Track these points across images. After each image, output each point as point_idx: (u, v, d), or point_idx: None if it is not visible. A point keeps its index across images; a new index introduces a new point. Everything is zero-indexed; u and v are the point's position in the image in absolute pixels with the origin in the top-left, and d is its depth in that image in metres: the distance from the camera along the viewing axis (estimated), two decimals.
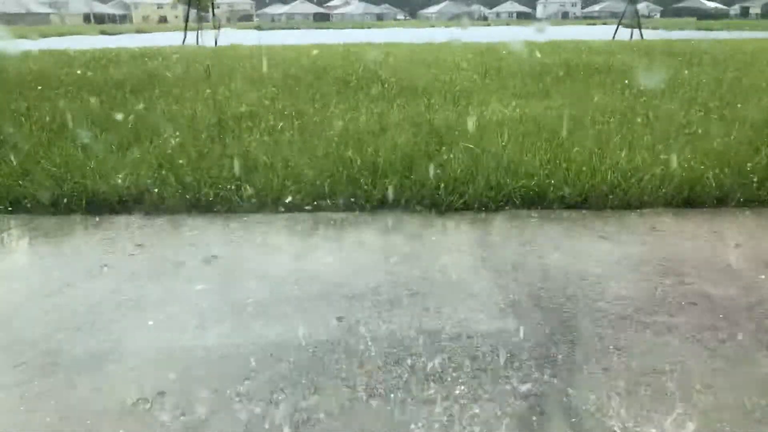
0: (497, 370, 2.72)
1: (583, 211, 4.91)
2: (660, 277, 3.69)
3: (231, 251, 4.20)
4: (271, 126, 6.84)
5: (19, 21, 67.98)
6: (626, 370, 2.72)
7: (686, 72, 11.54)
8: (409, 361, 2.79)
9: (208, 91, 9.14)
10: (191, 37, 28.39)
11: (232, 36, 32.09)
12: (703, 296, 3.43)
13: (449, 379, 2.66)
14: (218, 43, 25.63)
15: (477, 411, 2.45)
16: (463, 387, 2.60)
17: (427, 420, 2.41)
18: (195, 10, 31.73)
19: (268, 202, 4.96)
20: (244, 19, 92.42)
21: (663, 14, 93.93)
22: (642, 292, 3.48)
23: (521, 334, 3.03)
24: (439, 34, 27.89)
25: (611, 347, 2.90)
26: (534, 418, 2.41)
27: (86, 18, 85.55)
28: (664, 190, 5.02)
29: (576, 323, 3.14)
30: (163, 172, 5.27)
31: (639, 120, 7.10)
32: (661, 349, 2.89)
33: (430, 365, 2.76)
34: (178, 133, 6.36)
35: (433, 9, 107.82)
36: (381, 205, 4.95)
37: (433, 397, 2.55)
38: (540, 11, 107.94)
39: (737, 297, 3.42)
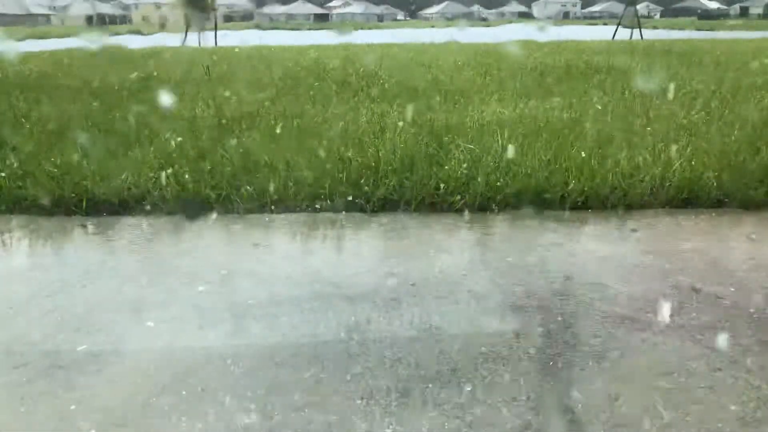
0: None
1: (583, 212, 4.93)
2: (662, 277, 3.70)
3: (227, 251, 4.22)
4: (271, 126, 6.84)
5: (20, 22, 67.94)
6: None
7: (685, 72, 11.55)
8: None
9: (208, 91, 9.15)
10: (192, 37, 28.38)
11: (232, 37, 32.08)
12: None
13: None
14: (218, 44, 25.64)
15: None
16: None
17: None
18: (195, 11, 31.74)
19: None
20: (243, 19, 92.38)
21: (663, 14, 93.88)
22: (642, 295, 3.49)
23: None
24: (439, 35, 27.87)
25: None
26: None
27: (88, 19, 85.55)
28: (663, 191, 5.03)
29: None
30: (164, 173, 5.27)
31: (638, 120, 7.10)
32: None
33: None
34: (177, 134, 6.36)
35: (433, 9, 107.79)
36: (381, 205, 4.95)
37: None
38: (540, 12, 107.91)
39: None
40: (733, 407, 2.47)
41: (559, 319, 3.19)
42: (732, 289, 3.50)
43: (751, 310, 3.27)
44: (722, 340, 2.96)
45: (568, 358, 2.82)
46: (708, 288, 3.52)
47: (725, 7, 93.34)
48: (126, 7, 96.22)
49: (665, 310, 3.27)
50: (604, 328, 3.09)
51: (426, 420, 2.41)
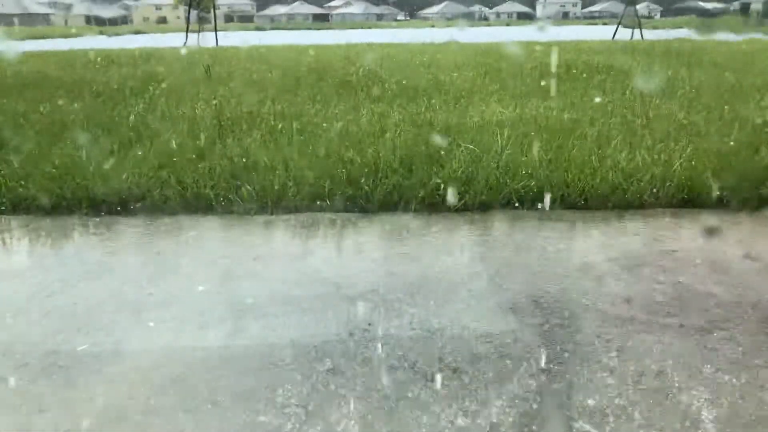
0: None
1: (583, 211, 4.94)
2: (653, 275, 3.70)
3: (227, 251, 4.23)
4: (271, 126, 6.84)
5: (20, 22, 67.95)
6: None
7: (685, 72, 11.55)
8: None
9: (209, 91, 9.16)
10: (192, 38, 28.40)
11: (232, 37, 32.06)
12: None
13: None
14: (219, 44, 25.66)
15: None
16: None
17: None
18: (196, 12, 31.78)
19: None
20: (244, 20, 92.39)
21: (663, 14, 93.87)
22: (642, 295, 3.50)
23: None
24: (439, 35, 27.87)
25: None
26: None
27: (88, 19, 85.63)
28: (663, 191, 5.03)
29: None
30: (164, 173, 5.28)
31: (638, 120, 7.10)
32: None
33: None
34: (177, 134, 6.37)
35: (433, 9, 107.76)
36: (381, 205, 4.96)
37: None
38: (540, 11, 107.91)
39: None
40: None
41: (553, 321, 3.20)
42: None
43: None
44: None
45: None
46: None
47: (725, 7, 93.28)
48: (126, 8, 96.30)
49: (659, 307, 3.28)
50: (601, 325, 3.10)
51: None
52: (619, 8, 64.75)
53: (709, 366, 2.75)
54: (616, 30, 29.84)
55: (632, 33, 28.28)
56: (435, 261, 3.99)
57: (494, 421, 2.40)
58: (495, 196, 4.99)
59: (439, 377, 2.69)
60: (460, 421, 2.40)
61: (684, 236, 4.50)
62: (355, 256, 4.15)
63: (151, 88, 9.79)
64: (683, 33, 30.44)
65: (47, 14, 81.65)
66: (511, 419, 2.41)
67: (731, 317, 3.19)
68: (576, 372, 2.71)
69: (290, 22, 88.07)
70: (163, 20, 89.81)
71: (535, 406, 2.49)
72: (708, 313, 3.24)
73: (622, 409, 2.46)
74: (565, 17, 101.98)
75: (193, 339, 3.05)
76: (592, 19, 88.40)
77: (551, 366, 2.76)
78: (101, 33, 49.38)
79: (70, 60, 15.25)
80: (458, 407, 2.48)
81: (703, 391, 2.57)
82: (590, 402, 2.50)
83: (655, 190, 5.03)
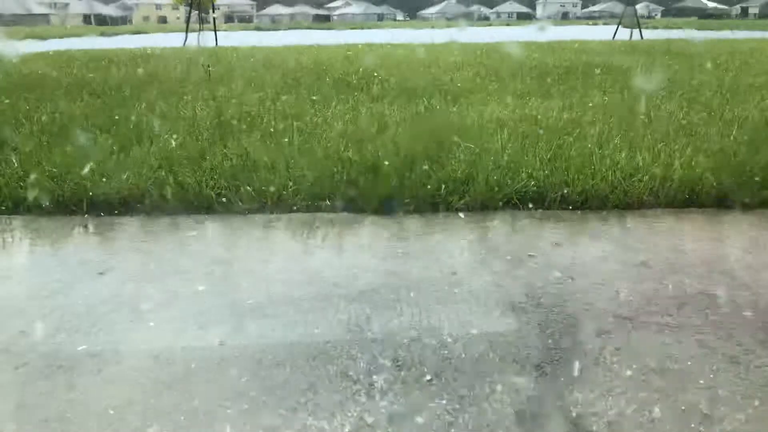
0: None
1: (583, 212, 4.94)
2: (657, 277, 3.70)
3: (227, 251, 4.23)
4: (271, 127, 6.85)
5: (19, 22, 67.93)
6: None
7: (684, 72, 11.56)
8: None
9: (209, 91, 9.16)
10: (192, 38, 28.39)
11: (232, 37, 32.06)
12: None
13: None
14: (219, 44, 25.64)
15: None
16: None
17: None
18: (196, 12, 31.78)
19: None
20: (244, 20, 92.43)
21: (664, 14, 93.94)
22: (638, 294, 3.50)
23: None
24: (439, 35, 27.87)
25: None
26: None
27: (86, 19, 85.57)
28: (663, 191, 5.03)
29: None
30: (163, 173, 5.27)
31: (638, 120, 7.10)
32: None
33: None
34: (177, 135, 6.37)
35: (433, 9, 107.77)
36: (381, 205, 4.95)
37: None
38: (540, 12, 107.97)
39: None
40: None
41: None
42: None
43: None
44: None
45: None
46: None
47: (725, 6, 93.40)
48: (127, 8, 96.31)
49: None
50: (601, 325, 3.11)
51: None
52: (619, 8, 64.82)
53: None
54: (617, 30, 29.83)
55: (631, 33, 28.27)
56: (436, 261, 3.99)
57: None
58: (495, 195, 4.98)
59: (441, 376, 2.69)
60: None
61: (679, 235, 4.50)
62: (355, 255, 4.14)
63: (150, 88, 9.80)
64: (683, 33, 30.48)
65: (47, 14, 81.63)
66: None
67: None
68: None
69: (290, 23, 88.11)
70: (163, 20, 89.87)
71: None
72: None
73: None
74: (565, 17, 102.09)
75: (194, 339, 3.05)
76: (591, 19, 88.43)
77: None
78: (102, 33, 49.27)
79: (69, 60, 15.25)
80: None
81: None
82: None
83: (654, 190, 5.03)
